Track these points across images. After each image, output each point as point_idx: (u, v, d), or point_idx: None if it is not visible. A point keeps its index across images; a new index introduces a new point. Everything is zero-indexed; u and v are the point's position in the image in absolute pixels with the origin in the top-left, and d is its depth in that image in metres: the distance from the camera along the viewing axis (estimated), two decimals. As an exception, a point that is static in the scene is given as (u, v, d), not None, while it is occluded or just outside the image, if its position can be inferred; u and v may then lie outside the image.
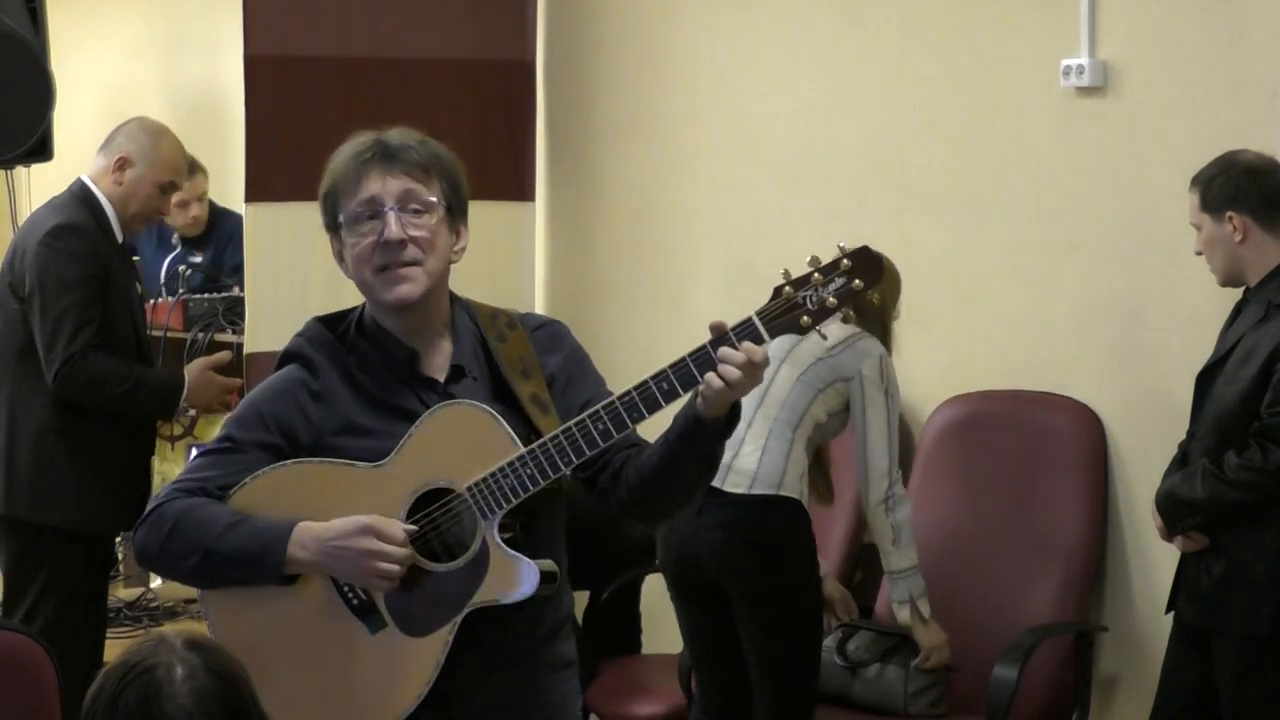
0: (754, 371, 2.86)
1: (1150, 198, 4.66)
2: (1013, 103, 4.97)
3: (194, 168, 6.85)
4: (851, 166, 5.38)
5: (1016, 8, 4.95)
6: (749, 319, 2.88)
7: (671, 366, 2.90)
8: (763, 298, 5.84)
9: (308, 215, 5.68)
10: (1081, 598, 4.70)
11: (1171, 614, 4.32)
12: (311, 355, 3.06)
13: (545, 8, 6.21)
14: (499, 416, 2.96)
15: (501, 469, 2.93)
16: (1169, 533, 4.22)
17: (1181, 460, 4.27)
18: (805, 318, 2.86)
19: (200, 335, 5.99)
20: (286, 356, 3.10)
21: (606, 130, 6.12)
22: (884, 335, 4.70)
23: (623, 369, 5.61)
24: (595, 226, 6.15)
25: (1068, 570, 4.71)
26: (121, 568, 5.84)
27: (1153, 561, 4.63)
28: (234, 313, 5.95)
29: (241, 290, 5.93)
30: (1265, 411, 4.03)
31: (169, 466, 5.48)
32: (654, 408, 2.90)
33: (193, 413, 5.29)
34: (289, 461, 3.01)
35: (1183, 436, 4.31)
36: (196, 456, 3.11)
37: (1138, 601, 4.73)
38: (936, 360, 5.14)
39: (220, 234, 6.90)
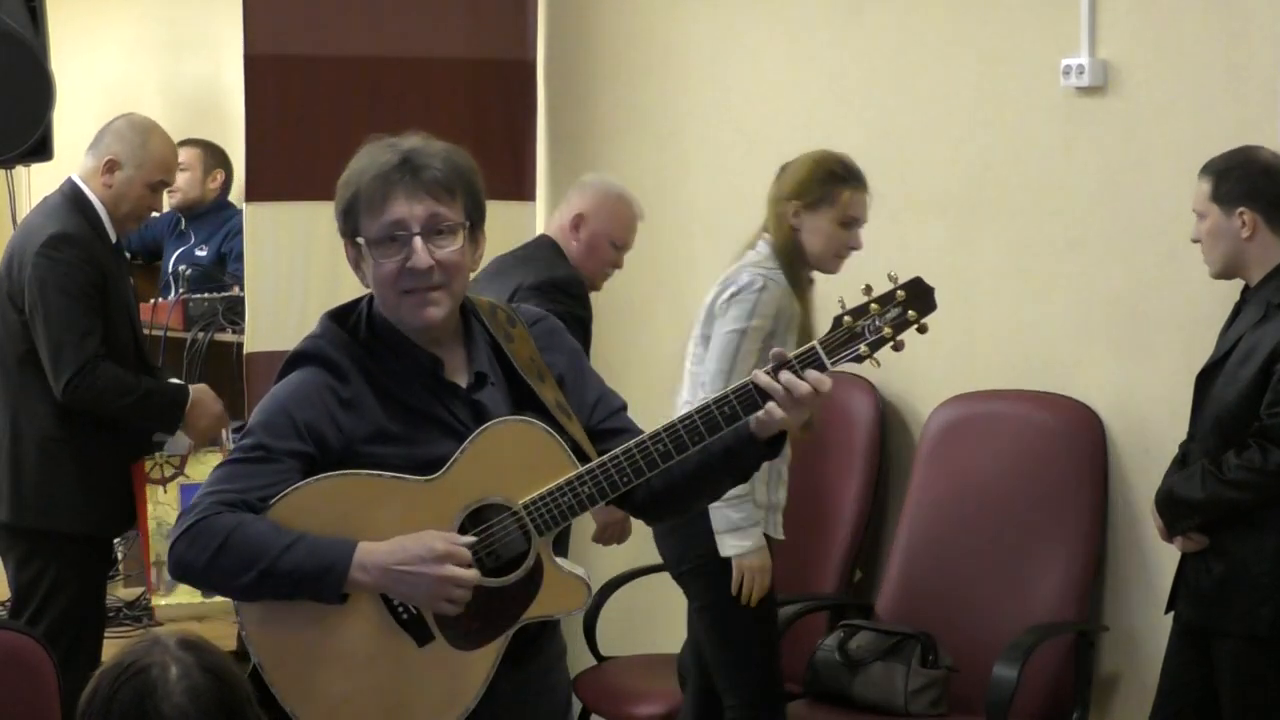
0: (817, 401, 2.91)
1: (1150, 198, 4.66)
2: (1013, 103, 4.97)
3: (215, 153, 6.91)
4: (851, 166, 5.37)
5: (1016, 8, 4.95)
6: (812, 347, 2.93)
7: (735, 391, 2.93)
8: (762, 297, 5.78)
9: (308, 215, 5.76)
10: (1081, 598, 4.70)
11: (1170, 614, 4.32)
12: (336, 359, 3.00)
13: (545, 8, 6.21)
14: (556, 435, 2.96)
15: (560, 487, 2.94)
16: (1168, 533, 4.22)
17: (1182, 461, 4.27)
18: (864, 346, 2.93)
19: (200, 335, 5.99)
20: (304, 357, 3.02)
21: (606, 130, 6.12)
22: (790, 261, 4.58)
23: (623, 369, 5.63)
24: (595, 226, 6.15)
25: (1068, 570, 4.71)
26: (121, 567, 5.84)
27: (1153, 561, 4.63)
28: (234, 312, 5.95)
29: (241, 289, 5.93)
30: (1265, 412, 4.03)
31: (163, 510, 5.37)
32: (715, 431, 2.94)
33: (184, 451, 5.22)
34: (333, 473, 2.95)
35: (1183, 437, 4.31)
36: (226, 464, 2.99)
37: (1138, 601, 4.73)
38: (936, 360, 5.14)
39: (230, 226, 6.90)
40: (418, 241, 2.94)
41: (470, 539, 2.93)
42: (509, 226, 5.97)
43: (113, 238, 4.97)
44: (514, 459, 2.95)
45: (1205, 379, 4.21)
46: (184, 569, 2.96)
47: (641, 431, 3.03)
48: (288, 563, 2.89)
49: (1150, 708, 4.38)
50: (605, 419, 3.08)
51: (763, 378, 2.92)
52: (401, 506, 2.93)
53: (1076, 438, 4.78)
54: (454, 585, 2.90)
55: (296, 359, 3.04)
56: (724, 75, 5.75)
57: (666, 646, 5.30)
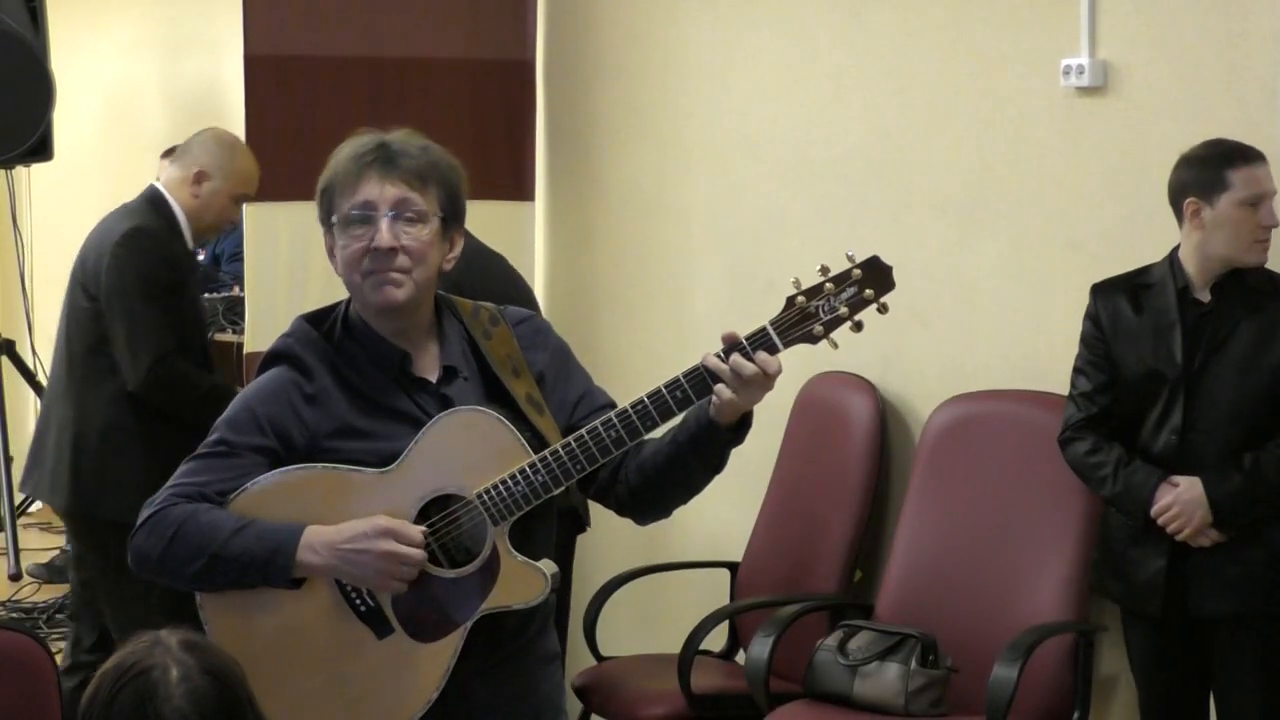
0: (766, 382, 2.89)
1: (1150, 198, 4.65)
2: (1013, 103, 4.97)
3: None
4: (851, 166, 5.37)
5: (1016, 8, 4.95)
6: (763, 328, 2.91)
7: (685, 374, 2.92)
8: (762, 297, 5.84)
9: (308, 215, 5.68)
10: (1081, 598, 4.70)
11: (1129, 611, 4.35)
12: (302, 356, 3.04)
13: (545, 8, 6.21)
14: (509, 423, 2.96)
15: (514, 476, 2.94)
16: (1226, 530, 4.18)
17: (1174, 455, 4.23)
18: (818, 327, 2.90)
19: (200, 335, 6.00)
20: (275, 357, 3.07)
21: (606, 130, 6.11)
22: None
23: (622, 368, 5.63)
24: (595, 226, 6.15)
25: (1068, 570, 4.71)
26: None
27: (1153, 561, 4.63)
28: (234, 313, 5.97)
29: (240, 289, 5.94)
30: None
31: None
32: (668, 416, 2.93)
33: None
34: (292, 467, 2.98)
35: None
36: (189, 460, 3.05)
37: (1138, 601, 4.72)
38: (936, 360, 5.14)
39: None
40: (384, 222, 2.97)
41: (423, 527, 2.94)
42: (509, 226, 5.98)
43: (189, 245, 5.07)
44: (468, 449, 2.96)
45: (1201, 372, 4.20)
46: (141, 560, 3.02)
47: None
48: (237, 546, 2.92)
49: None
50: (586, 415, 3.07)
51: (712, 360, 2.91)
52: (358, 498, 2.95)
53: (1076, 438, 4.78)
54: (398, 561, 2.91)
55: (268, 359, 3.09)
56: (724, 75, 5.75)
57: (667, 646, 5.30)
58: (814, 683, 4.80)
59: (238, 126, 5.89)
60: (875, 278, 2.90)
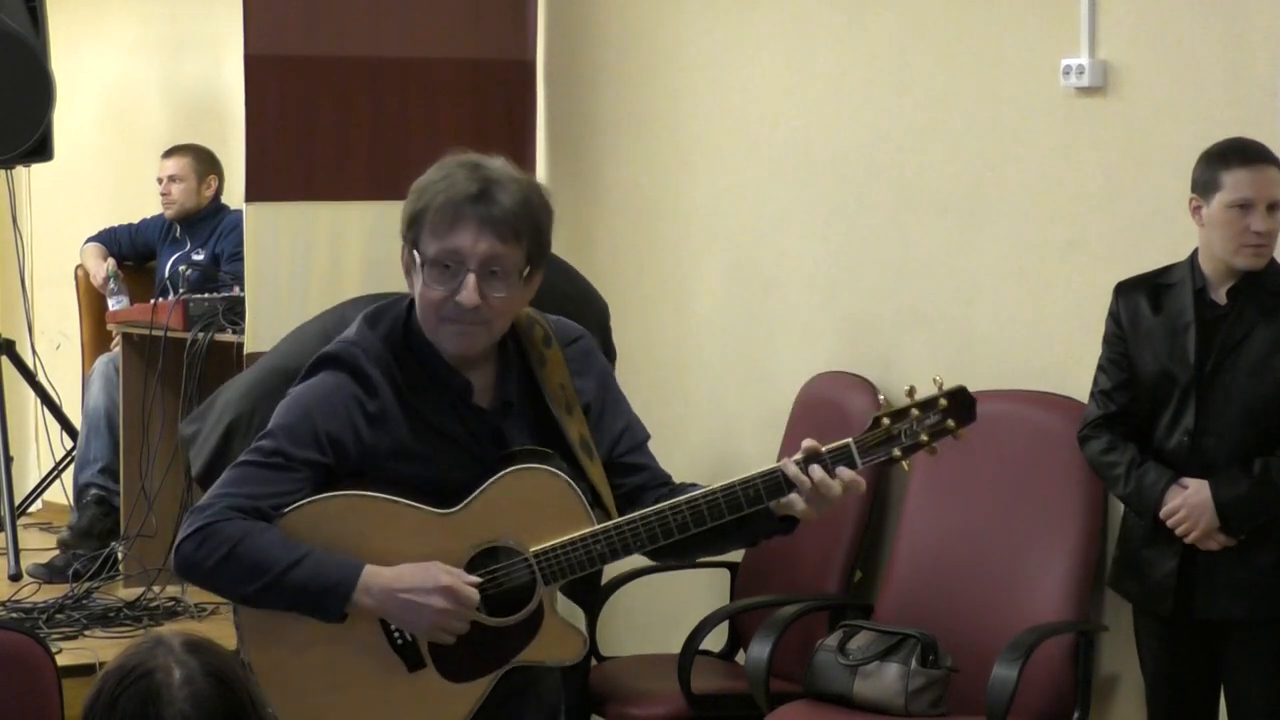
0: (840, 499, 2.97)
1: (1150, 198, 4.66)
2: (1013, 103, 4.97)
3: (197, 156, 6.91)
4: (851, 166, 5.37)
5: (1016, 8, 4.95)
6: (845, 445, 2.99)
7: (762, 476, 2.96)
8: (762, 297, 5.85)
9: (308, 215, 5.78)
10: (1081, 598, 4.70)
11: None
12: (368, 372, 2.97)
13: (545, 8, 6.21)
14: (577, 488, 2.96)
15: (573, 542, 2.95)
16: (1235, 535, 4.19)
17: (1186, 456, 4.23)
18: (898, 450, 2.99)
19: (200, 335, 6.00)
20: (336, 361, 2.99)
21: (606, 130, 6.12)
22: None
23: (623, 369, 5.62)
24: (595, 226, 6.15)
25: (1068, 570, 4.71)
26: (121, 568, 5.84)
27: (1153, 561, 4.63)
28: (234, 313, 5.95)
29: (241, 290, 5.94)
30: None
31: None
32: (736, 511, 2.97)
33: None
34: (350, 492, 2.95)
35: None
36: (242, 465, 2.96)
37: (1138, 601, 4.72)
38: (936, 360, 5.14)
39: (223, 227, 6.91)
40: (471, 279, 2.91)
41: (476, 579, 2.94)
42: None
43: None
44: (533, 506, 2.96)
45: (1214, 374, 4.20)
46: (189, 569, 2.97)
47: (662, 471, 3.08)
48: (293, 579, 2.89)
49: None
50: (627, 452, 3.09)
51: (792, 469, 2.95)
52: (414, 535, 2.94)
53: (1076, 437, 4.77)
54: (452, 620, 2.92)
55: (328, 361, 3.01)
56: (724, 75, 5.75)
57: (666, 646, 5.30)
58: (814, 683, 4.80)
59: (238, 127, 5.90)
60: (959, 408, 2.99)
